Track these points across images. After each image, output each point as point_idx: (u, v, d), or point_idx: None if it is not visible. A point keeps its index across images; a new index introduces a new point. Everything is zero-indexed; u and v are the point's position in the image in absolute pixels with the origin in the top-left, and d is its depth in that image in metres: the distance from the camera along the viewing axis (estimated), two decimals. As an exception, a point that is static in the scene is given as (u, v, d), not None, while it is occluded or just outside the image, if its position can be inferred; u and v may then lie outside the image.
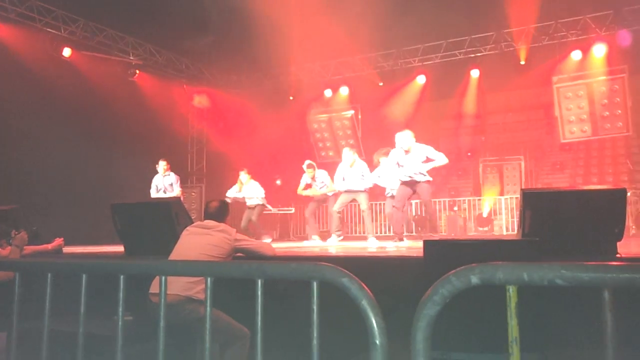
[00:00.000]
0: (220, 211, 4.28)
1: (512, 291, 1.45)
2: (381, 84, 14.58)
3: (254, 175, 10.47)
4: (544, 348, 3.09)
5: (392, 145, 8.13)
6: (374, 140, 13.00)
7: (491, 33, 12.76)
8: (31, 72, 10.41)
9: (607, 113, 11.72)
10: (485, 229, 13.85)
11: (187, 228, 4.27)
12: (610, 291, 1.38)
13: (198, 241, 4.01)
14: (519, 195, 5.73)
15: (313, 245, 8.82)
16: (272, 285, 1.82)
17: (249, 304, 1.93)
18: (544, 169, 17.01)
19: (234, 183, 10.43)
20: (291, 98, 15.33)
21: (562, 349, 3.46)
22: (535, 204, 4.22)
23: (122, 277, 2.05)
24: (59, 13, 11.28)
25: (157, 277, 3.35)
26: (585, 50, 12.13)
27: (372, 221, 9.94)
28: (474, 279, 1.44)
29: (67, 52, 11.74)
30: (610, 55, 11.82)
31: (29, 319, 2.32)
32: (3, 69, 10.01)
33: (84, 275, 2.13)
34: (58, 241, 5.79)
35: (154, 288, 3.74)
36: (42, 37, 11.24)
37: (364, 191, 8.84)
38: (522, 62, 12.69)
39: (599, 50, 11.84)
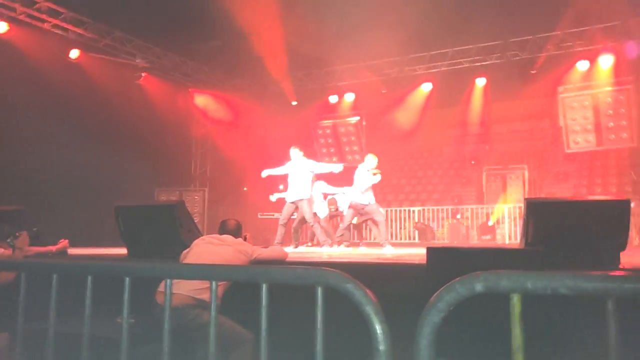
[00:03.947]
0: (238, 229, 4.48)
1: (516, 299, 1.46)
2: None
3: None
4: (547, 357, 3.08)
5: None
6: (378, 147, 12.97)
7: (497, 42, 12.76)
8: (38, 74, 10.45)
9: (612, 124, 11.71)
10: (488, 237, 13.83)
11: (203, 237, 4.40)
12: (614, 301, 1.38)
13: (218, 251, 4.10)
14: (522, 205, 5.72)
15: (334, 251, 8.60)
16: (276, 289, 1.83)
17: (253, 308, 1.94)
18: (547, 178, 16.94)
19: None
20: (294, 103, 15.33)
21: (566, 358, 3.45)
22: (539, 214, 4.21)
23: (127, 279, 2.06)
24: (68, 15, 11.33)
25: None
26: (592, 61, 12.10)
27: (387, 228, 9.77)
28: (478, 287, 1.44)
29: (74, 53, 11.81)
30: (617, 67, 11.80)
31: (28, 319, 2.32)
32: (11, 70, 10.06)
33: (89, 277, 2.14)
34: (63, 243, 5.79)
35: (163, 286, 3.76)
36: (50, 39, 11.30)
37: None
38: (534, 72, 12.62)
39: (606, 61, 11.82)
